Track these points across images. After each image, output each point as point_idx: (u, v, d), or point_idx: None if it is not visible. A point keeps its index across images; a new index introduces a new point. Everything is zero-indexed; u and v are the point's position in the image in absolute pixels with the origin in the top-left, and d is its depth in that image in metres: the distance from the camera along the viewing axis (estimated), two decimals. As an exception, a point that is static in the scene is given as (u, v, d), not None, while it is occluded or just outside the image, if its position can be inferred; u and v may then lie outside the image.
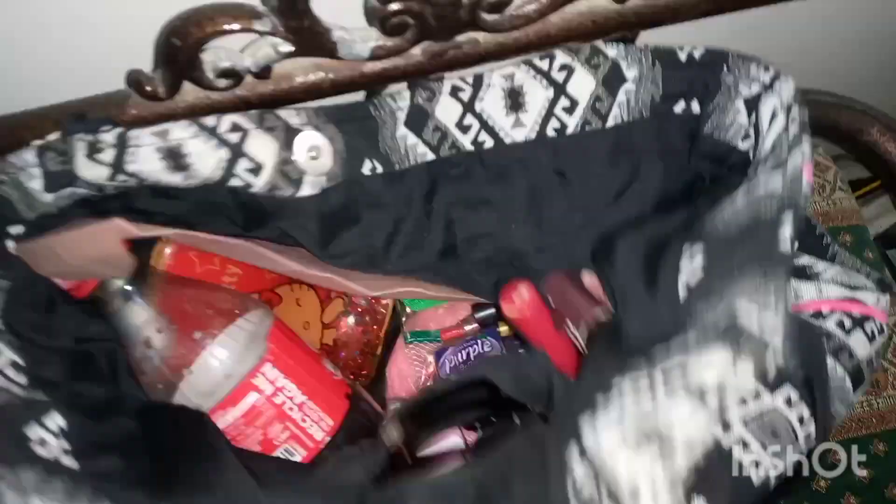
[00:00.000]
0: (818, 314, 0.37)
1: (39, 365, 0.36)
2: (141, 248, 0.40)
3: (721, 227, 0.33)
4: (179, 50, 0.35)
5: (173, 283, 0.42)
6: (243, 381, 0.40)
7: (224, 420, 0.40)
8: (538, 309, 0.42)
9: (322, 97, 0.41)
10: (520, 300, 0.41)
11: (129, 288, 0.39)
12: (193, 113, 0.39)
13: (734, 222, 0.32)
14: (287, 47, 0.37)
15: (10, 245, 0.37)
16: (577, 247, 0.44)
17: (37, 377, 0.36)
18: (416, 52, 0.40)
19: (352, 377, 0.50)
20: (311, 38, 0.37)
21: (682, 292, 0.33)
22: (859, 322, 0.37)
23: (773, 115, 0.35)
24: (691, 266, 0.32)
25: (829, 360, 0.36)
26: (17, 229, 0.37)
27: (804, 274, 0.39)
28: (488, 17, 0.39)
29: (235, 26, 0.35)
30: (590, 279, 0.44)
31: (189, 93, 0.39)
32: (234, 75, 0.38)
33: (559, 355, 0.40)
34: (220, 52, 0.37)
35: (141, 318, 0.39)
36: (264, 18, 0.35)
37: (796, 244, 0.30)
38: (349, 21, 0.38)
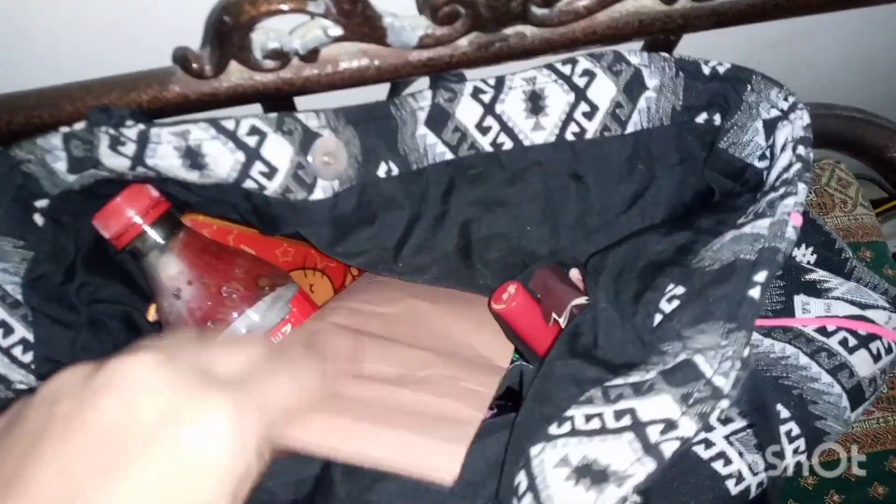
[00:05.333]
0: (822, 330, 0.37)
1: (48, 343, 0.38)
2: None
3: (707, 262, 0.33)
4: (231, 27, 0.35)
5: (207, 242, 0.43)
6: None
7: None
8: (526, 302, 0.42)
9: (365, 84, 0.41)
10: (507, 295, 0.42)
11: (163, 241, 0.40)
12: (237, 93, 0.39)
13: (718, 258, 0.32)
14: (336, 31, 0.37)
15: (38, 218, 0.38)
16: (591, 250, 0.44)
17: (44, 357, 0.37)
18: (463, 42, 0.40)
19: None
20: (361, 22, 0.36)
21: (654, 323, 0.34)
22: (865, 341, 0.37)
23: (784, 146, 0.35)
24: (669, 307, 0.33)
25: (827, 378, 0.37)
26: (42, 203, 0.38)
27: (815, 289, 0.39)
28: (538, 11, 0.39)
29: (289, 6, 0.35)
30: (576, 274, 0.44)
31: (234, 73, 0.38)
32: (281, 56, 0.37)
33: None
34: (270, 33, 0.37)
35: (173, 269, 0.40)
36: (318, 0, 0.35)
37: (768, 290, 0.30)
38: (399, 9, 0.38)
